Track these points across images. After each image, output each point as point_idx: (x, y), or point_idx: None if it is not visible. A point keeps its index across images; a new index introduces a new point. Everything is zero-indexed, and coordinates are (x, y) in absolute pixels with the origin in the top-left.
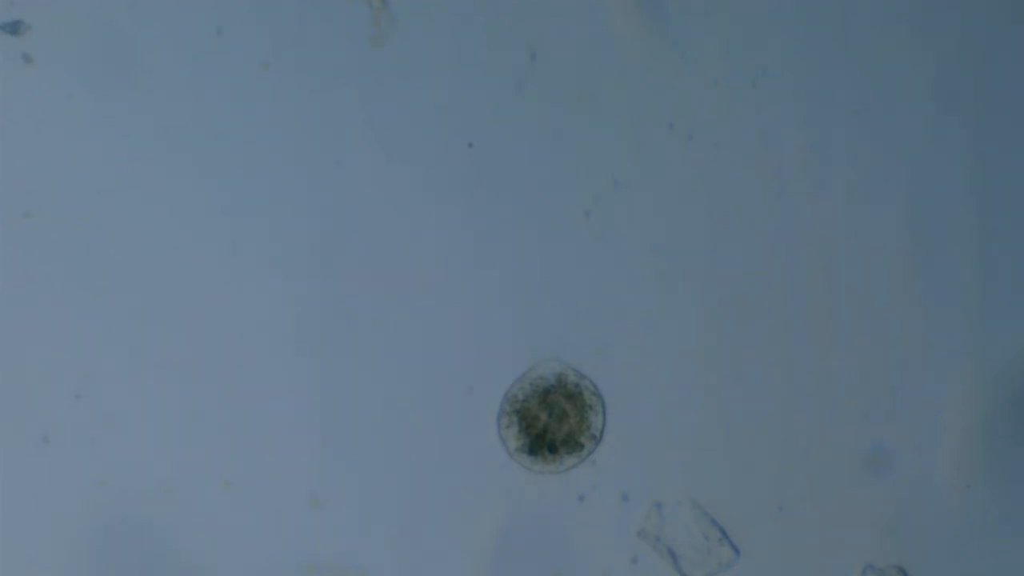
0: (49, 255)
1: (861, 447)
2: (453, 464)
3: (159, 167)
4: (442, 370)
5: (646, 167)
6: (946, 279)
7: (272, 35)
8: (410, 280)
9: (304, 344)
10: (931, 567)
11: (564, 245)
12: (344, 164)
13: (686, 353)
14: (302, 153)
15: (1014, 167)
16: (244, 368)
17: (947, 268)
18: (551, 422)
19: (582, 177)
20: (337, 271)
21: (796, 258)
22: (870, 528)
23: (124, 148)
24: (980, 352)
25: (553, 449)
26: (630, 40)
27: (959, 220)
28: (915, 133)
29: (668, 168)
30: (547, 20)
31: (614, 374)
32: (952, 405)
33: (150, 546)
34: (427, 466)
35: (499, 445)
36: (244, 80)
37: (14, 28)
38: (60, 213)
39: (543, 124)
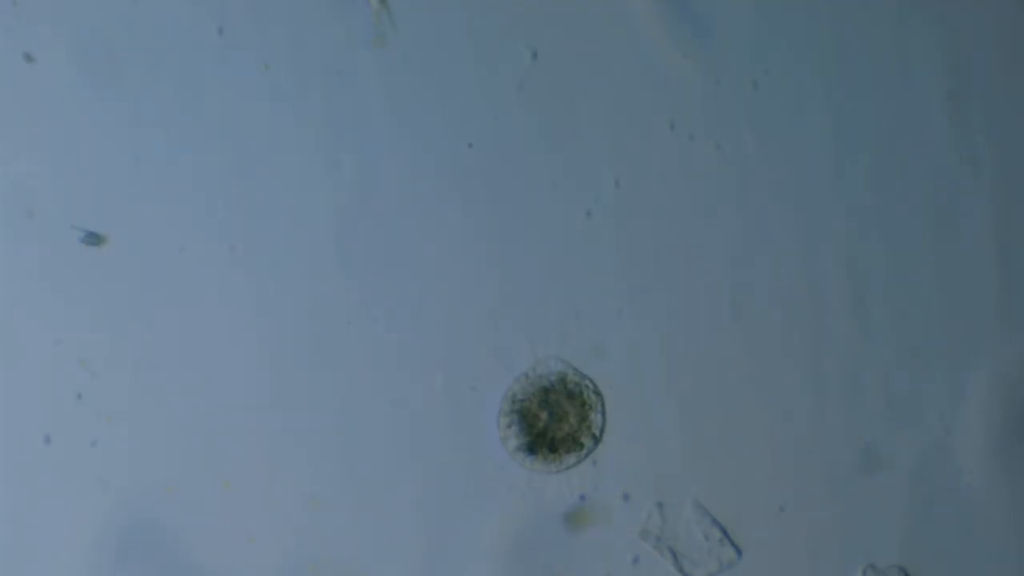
0: (51, 255)
1: (861, 447)
2: (454, 463)
3: (160, 166)
4: (443, 369)
5: (646, 167)
6: (946, 281)
7: (272, 35)
8: (410, 280)
9: (303, 344)
10: (931, 567)
11: (564, 245)
12: (344, 164)
13: (686, 353)
14: (302, 153)
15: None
16: (244, 368)
17: (948, 269)
18: (551, 421)
19: (583, 177)
20: (336, 271)
21: (797, 258)
22: (870, 528)
23: (125, 147)
24: (980, 354)
25: (553, 448)
26: (630, 40)
27: (960, 220)
28: (918, 131)
29: (668, 168)
30: (547, 20)
31: (614, 374)
32: (952, 406)
33: (151, 546)
34: (428, 466)
35: (499, 444)
36: (244, 80)
37: (93, 240)
38: (63, 213)
39: (544, 124)
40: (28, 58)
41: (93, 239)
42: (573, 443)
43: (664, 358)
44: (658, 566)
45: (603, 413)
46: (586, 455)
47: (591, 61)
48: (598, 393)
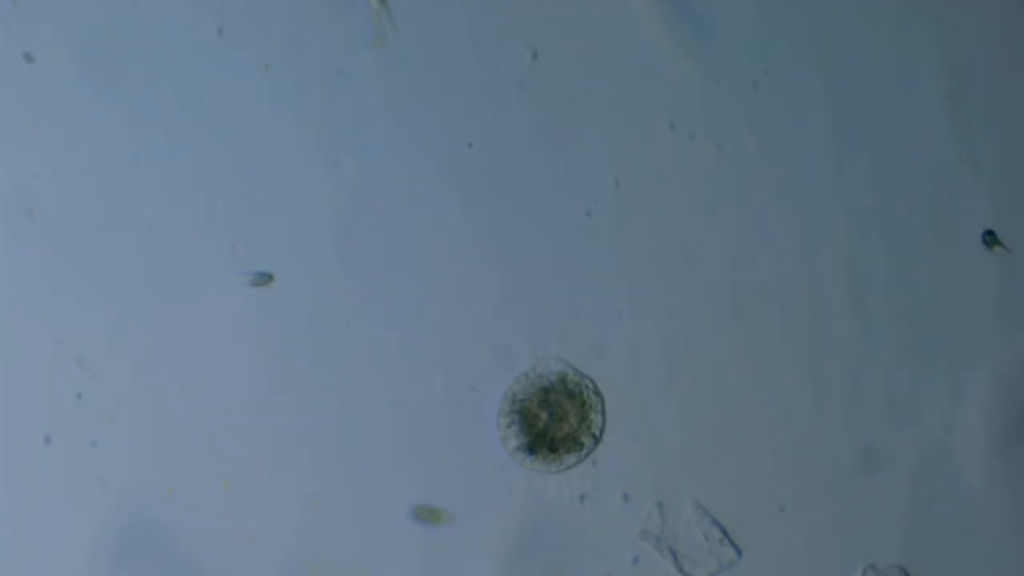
0: (51, 255)
1: (861, 447)
2: (454, 463)
3: (160, 166)
4: (443, 369)
5: (646, 167)
6: (946, 281)
7: (272, 35)
8: (410, 280)
9: (303, 344)
10: (931, 567)
11: (564, 245)
12: (344, 164)
13: (686, 353)
14: (302, 153)
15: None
16: (244, 368)
17: (948, 269)
18: (551, 421)
19: (583, 177)
20: (336, 271)
21: (797, 258)
22: (870, 528)
23: (125, 147)
24: (980, 354)
25: (553, 448)
26: (630, 40)
27: (960, 220)
28: (918, 131)
29: (668, 168)
30: (547, 20)
31: (614, 374)
32: (952, 406)
33: (151, 546)
34: (428, 466)
35: (499, 444)
36: (244, 80)
37: (262, 279)
38: (63, 213)
39: (544, 124)
40: (28, 58)
41: (262, 278)
42: (573, 443)
43: (664, 358)
44: (658, 566)
45: (603, 413)
46: (586, 455)
47: (591, 61)
48: (598, 393)
